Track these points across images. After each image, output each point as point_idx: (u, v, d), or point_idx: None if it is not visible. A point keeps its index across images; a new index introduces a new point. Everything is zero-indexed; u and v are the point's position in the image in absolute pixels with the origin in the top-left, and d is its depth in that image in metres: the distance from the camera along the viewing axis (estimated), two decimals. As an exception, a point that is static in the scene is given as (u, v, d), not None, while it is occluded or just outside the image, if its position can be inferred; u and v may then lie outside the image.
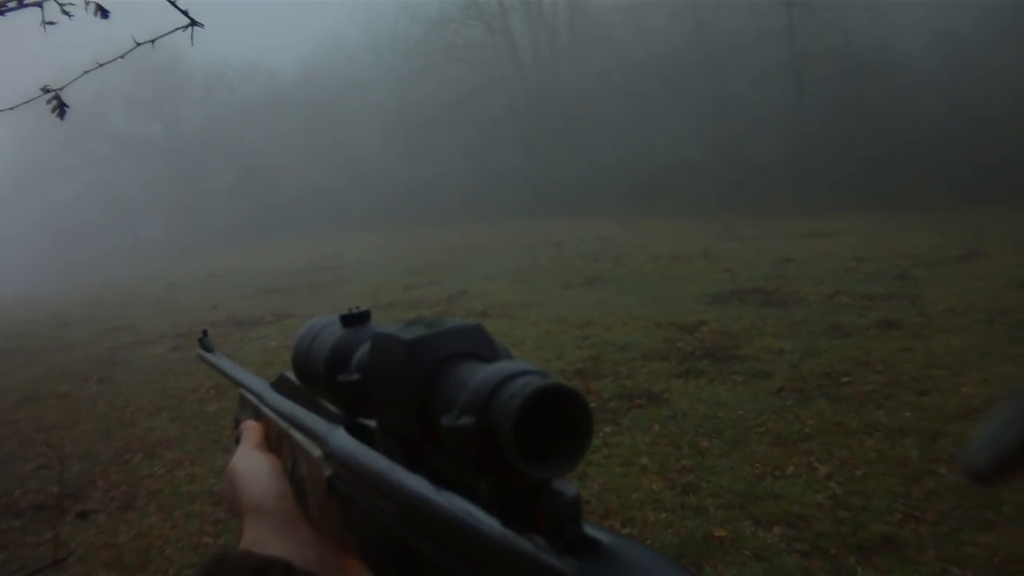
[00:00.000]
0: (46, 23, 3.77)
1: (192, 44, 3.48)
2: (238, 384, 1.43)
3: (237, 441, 1.26)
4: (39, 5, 3.76)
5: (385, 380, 0.82)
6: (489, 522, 0.67)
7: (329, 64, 57.98)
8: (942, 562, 5.45)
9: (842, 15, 35.80)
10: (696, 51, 40.66)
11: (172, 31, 3.50)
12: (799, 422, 8.21)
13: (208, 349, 1.72)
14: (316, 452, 1.02)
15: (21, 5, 3.89)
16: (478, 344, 0.80)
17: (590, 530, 0.61)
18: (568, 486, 0.65)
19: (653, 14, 44.42)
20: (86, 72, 3.52)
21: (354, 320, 1.02)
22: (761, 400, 8.96)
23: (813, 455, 7.37)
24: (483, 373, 0.68)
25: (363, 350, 0.92)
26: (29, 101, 3.67)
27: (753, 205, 30.07)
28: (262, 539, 1.06)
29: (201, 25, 3.49)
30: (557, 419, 0.65)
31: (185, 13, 3.43)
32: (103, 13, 3.55)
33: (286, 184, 53.48)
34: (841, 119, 33.20)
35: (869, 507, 6.31)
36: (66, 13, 3.73)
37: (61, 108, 3.58)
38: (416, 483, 0.79)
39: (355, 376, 0.90)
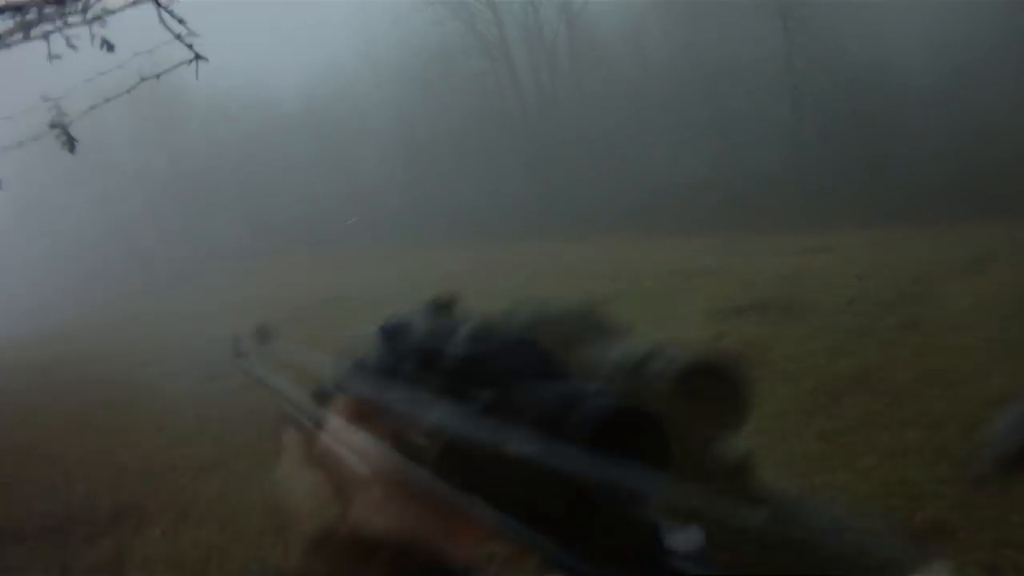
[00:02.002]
0: (52, 56, 3.87)
1: (196, 78, 3.56)
2: (308, 368, 1.44)
3: (318, 421, 1.28)
4: (45, 38, 3.85)
5: (490, 363, 0.90)
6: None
7: (332, 94, 57.90)
8: (995, 545, 5.50)
9: (838, 29, 35.88)
10: (693, 68, 40.72)
11: (177, 66, 3.58)
12: (838, 418, 8.27)
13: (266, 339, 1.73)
14: (421, 424, 1.04)
15: (27, 38, 3.99)
16: (590, 326, 0.87)
17: None
18: None
19: (651, 33, 44.56)
20: (92, 108, 3.61)
21: (444, 307, 1.11)
22: (797, 400, 9.02)
23: (857, 447, 7.43)
24: (609, 354, 0.77)
25: (462, 334, 0.99)
26: (37, 138, 3.76)
27: (755, 221, 30.02)
28: (368, 516, 1.09)
29: (205, 59, 3.57)
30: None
31: (190, 47, 3.52)
32: (109, 47, 3.64)
33: (290, 210, 53.39)
34: (838, 133, 33.26)
35: (918, 495, 6.36)
36: (71, 46, 3.82)
37: (70, 143, 3.66)
38: (531, 447, 0.82)
39: (457, 361, 0.97)
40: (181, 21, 3.65)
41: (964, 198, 25.52)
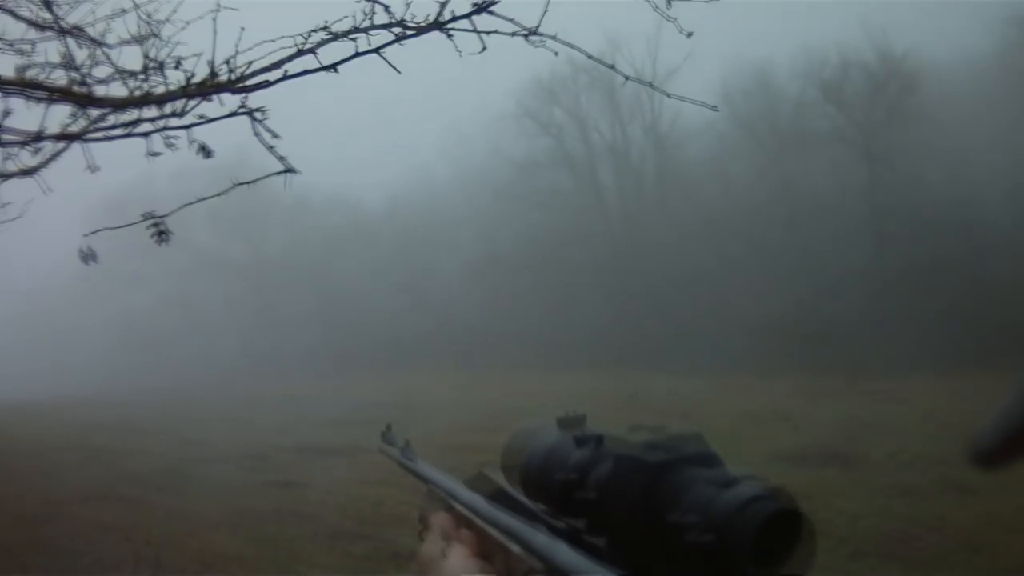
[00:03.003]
0: (151, 154, 3.98)
1: (285, 188, 3.66)
2: (431, 483, 1.54)
3: (420, 536, 1.36)
4: (145, 136, 3.97)
5: (624, 499, 0.96)
6: None
7: (416, 199, 57.88)
8: None
9: (922, 171, 36.03)
10: (777, 197, 40.75)
11: (269, 175, 3.69)
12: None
13: (391, 443, 1.85)
14: (536, 564, 1.09)
15: (129, 135, 4.10)
16: (711, 464, 0.95)
17: None
18: None
19: (739, 167, 44.70)
20: (186, 205, 3.71)
21: (587, 441, 1.13)
22: (835, 565, 8.98)
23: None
24: (724, 495, 0.84)
25: (600, 469, 1.05)
26: (130, 225, 3.86)
27: (830, 364, 29.88)
28: None
29: (297, 172, 3.67)
30: (784, 533, 0.82)
31: (282, 160, 3.62)
32: (207, 154, 3.75)
33: (365, 315, 53.19)
34: (920, 275, 33.09)
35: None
36: (170, 146, 3.92)
37: (162, 235, 3.76)
38: None
39: (592, 494, 1.04)
40: (275, 135, 3.75)
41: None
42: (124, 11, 4.87)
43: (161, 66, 4.26)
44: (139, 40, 4.83)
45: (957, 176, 35.16)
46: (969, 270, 31.50)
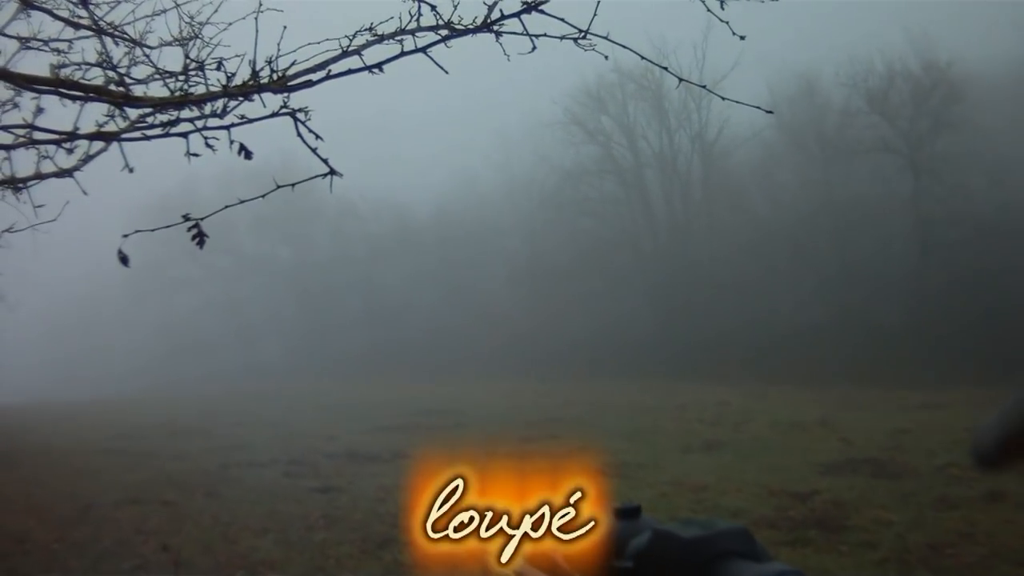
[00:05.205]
0: (191, 154, 3.91)
1: (331, 192, 3.60)
2: None
3: None
4: (184, 136, 3.90)
5: (661, 571, 1.02)
6: None
7: (462, 205, 58.03)
8: None
9: (967, 180, 35.93)
10: (822, 207, 40.70)
11: (312, 178, 3.61)
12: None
13: None
14: None
15: (167, 135, 4.04)
16: (744, 544, 0.99)
17: None
18: None
19: (784, 175, 44.68)
20: (227, 206, 3.63)
21: (627, 513, 1.19)
22: (864, 571, 8.93)
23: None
24: (751, 571, 0.89)
25: (638, 541, 1.11)
26: (168, 227, 3.78)
27: (872, 373, 29.82)
28: None
29: (340, 175, 3.59)
30: None
31: (325, 162, 3.54)
32: (247, 154, 3.67)
33: (411, 320, 53.40)
34: (964, 285, 33.00)
35: None
36: (209, 147, 3.85)
37: (200, 237, 3.68)
38: None
39: (629, 563, 1.09)
40: (318, 137, 3.68)
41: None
42: (164, 11, 4.85)
43: (202, 67, 4.22)
44: (180, 42, 4.80)
45: (1002, 185, 35.06)
46: (1014, 279, 31.28)
